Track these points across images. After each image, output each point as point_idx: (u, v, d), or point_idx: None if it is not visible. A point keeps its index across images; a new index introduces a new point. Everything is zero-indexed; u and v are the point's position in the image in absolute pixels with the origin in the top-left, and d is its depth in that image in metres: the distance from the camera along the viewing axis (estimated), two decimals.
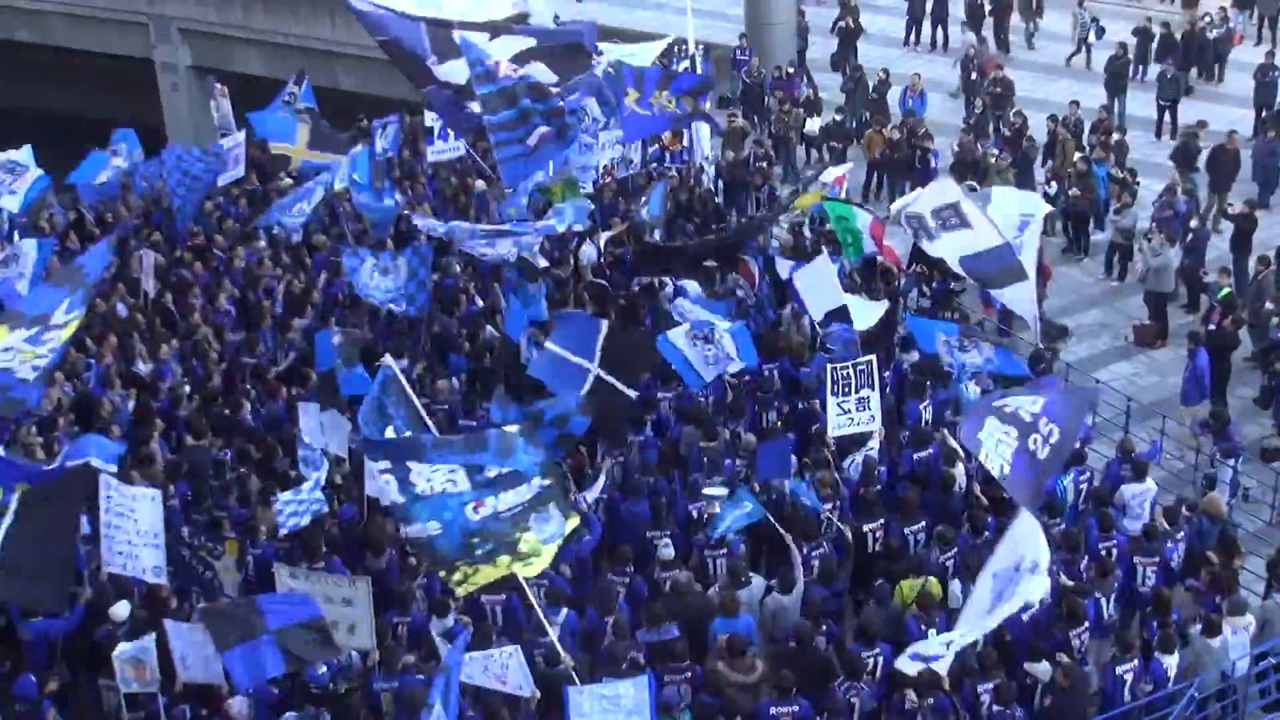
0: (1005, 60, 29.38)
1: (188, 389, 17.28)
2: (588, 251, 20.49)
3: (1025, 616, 13.21)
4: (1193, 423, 17.81)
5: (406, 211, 21.35)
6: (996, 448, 12.49)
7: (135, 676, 12.32)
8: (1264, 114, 25.78)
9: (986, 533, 14.42)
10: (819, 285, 17.62)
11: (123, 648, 12.32)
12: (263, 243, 21.42)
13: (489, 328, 18.89)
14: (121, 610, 13.03)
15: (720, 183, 25.00)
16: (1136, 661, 12.83)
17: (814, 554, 14.17)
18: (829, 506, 14.82)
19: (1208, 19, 28.80)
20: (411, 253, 18.35)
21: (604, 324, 15.92)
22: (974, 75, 28.02)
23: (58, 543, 12.82)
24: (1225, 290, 19.63)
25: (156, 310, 19.34)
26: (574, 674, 12.22)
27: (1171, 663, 12.89)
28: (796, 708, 12.16)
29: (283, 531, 14.17)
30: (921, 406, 16.74)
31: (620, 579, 13.96)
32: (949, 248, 17.52)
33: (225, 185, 23.42)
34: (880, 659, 12.76)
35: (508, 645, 12.25)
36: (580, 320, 16.48)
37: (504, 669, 11.91)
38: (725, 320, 17.16)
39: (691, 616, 13.34)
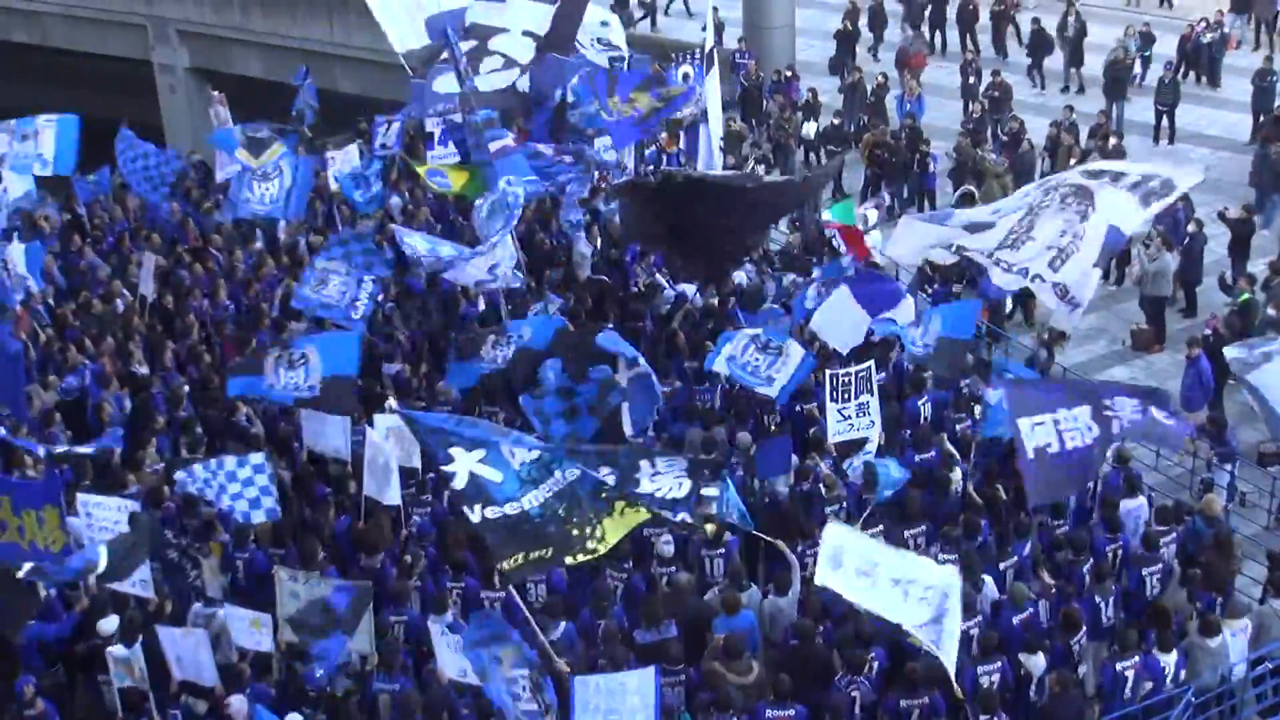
0: (927, 54, 29.56)
1: (186, 389, 17.25)
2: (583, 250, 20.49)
3: (1016, 620, 13.24)
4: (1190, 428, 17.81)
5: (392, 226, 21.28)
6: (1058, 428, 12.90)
7: (127, 674, 12.35)
8: (1261, 119, 25.82)
9: (981, 535, 14.44)
10: (839, 320, 17.21)
11: (115, 649, 12.34)
12: (259, 245, 21.45)
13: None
14: (109, 625, 12.97)
15: None
16: (1137, 659, 12.82)
17: (809, 553, 14.17)
18: (833, 510, 14.82)
19: (1203, 23, 28.83)
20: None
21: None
22: (970, 79, 28.05)
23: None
24: (1245, 296, 19.61)
25: (155, 312, 19.33)
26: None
27: (1170, 660, 12.89)
28: (793, 711, 12.17)
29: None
30: (920, 404, 16.77)
31: (618, 575, 13.96)
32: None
33: (222, 186, 23.44)
34: (876, 662, 12.76)
35: None
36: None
37: None
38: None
39: (690, 617, 13.34)
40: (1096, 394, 13.66)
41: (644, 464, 11.98)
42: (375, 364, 17.61)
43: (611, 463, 11.95)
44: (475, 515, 11.69)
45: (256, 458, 14.43)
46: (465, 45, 20.53)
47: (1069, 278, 15.47)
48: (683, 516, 11.86)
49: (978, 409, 16.77)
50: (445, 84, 20.93)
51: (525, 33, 21.01)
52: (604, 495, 11.78)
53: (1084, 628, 13.26)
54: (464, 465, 11.75)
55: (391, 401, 14.14)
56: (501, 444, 11.93)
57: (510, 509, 11.65)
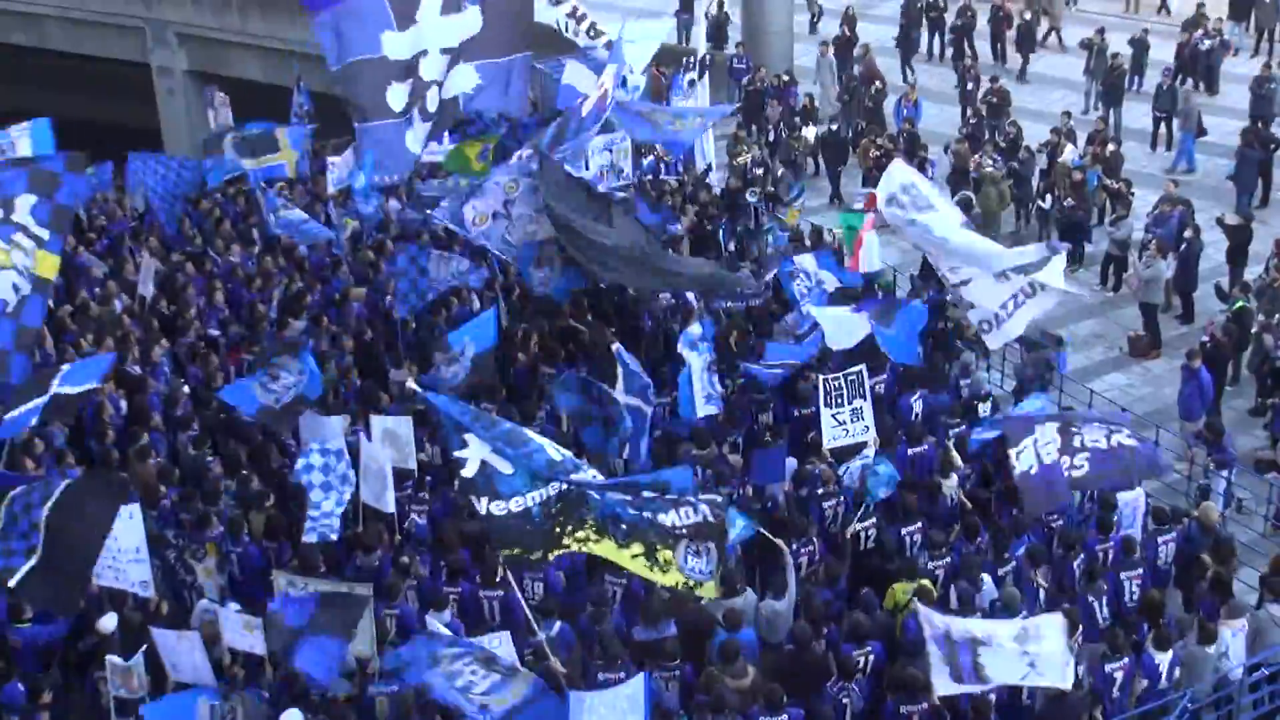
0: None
1: (185, 388, 17.22)
2: None
3: None
4: (1186, 434, 17.81)
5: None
6: (1036, 447, 13.65)
7: (124, 684, 12.29)
8: (1260, 126, 25.81)
9: (980, 539, 14.43)
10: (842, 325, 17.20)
11: (114, 658, 12.29)
12: (258, 246, 21.43)
13: None
14: (108, 623, 12.94)
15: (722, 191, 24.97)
16: (1126, 660, 12.83)
17: (802, 551, 14.16)
18: (830, 504, 14.83)
19: (1201, 30, 28.85)
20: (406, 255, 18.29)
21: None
22: (970, 85, 28.06)
23: (85, 547, 12.55)
24: (1240, 303, 19.62)
25: (153, 313, 19.30)
26: (560, 680, 12.15)
27: (1164, 659, 12.89)
28: (786, 717, 12.15)
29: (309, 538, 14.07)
30: (913, 400, 16.83)
31: (618, 581, 13.92)
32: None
33: (222, 184, 23.37)
34: (872, 656, 12.79)
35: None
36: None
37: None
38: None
39: (688, 623, 13.33)
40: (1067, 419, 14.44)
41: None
42: (379, 368, 17.61)
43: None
44: (481, 508, 11.69)
45: None
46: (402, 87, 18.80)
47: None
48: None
49: (983, 407, 16.89)
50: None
51: (443, 50, 18.69)
52: (624, 525, 11.63)
53: (1080, 627, 13.23)
54: (476, 454, 11.66)
55: (411, 382, 14.11)
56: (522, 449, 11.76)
57: (515, 505, 11.59)
